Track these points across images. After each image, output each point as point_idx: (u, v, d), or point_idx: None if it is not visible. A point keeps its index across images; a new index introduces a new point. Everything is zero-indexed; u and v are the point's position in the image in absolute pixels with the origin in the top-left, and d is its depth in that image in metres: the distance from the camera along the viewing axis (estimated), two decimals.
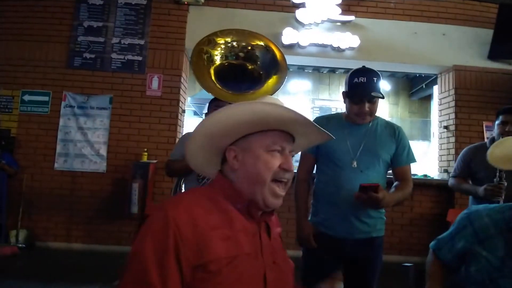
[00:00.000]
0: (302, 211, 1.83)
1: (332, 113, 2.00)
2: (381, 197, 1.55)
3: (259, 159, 0.90)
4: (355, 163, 1.71)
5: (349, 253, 1.71)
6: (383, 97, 1.72)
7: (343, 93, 1.82)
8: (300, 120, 0.91)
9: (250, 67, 1.88)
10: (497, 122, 2.37)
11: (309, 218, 1.84)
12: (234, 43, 1.87)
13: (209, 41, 1.87)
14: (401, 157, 1.80)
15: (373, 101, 1.72)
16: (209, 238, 0.80)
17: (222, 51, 1.87)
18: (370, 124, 1.80)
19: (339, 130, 1.78)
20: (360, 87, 1.71)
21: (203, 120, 0.95)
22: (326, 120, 1.88)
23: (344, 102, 1.82)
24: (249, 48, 1.86)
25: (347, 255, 1.72)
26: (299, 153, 1.89)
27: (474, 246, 1.14)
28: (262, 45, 1.88)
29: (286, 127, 0.95)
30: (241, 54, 1.86)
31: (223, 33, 1.87)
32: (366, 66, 1.82)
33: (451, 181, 2.56)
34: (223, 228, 0.84)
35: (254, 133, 0.93)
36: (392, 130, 1.82)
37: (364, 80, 1.70)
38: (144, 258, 0.76)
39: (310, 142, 1.08)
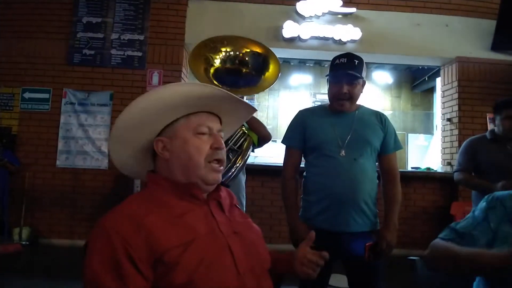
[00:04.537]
0: (293, 212, 1.74)
1: (316, 105, 1.97)
2: (385, 247, 1.71)
3: (187, 143, 0.89)
4: (343, 152, 1.66)
5: (348, 247, 1.63)
6: (361, 77, 1.68)
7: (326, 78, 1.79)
8: (223, 95, 0.91)
9: (244, 70, 2.03)
10: (500, 117, 2.27)
11: (300, 214, 1.76)
12: (229, 51, 2.02)
13: (206, 45, 2.02)
14: (388, 145, 1.75)
15: (353, 83, 1.67)
16: (156, 232, 0.78)
17: (219, 56, 2.03)
18: (357, 111, 1.75)
19: (324, 120, 1.74)
20: (340, 67, 1.68)
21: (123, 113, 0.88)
22: (310, 112, 1.84)
23: (328, 88, 1.79)
24: (241, 54, 2.03)
25: (345, 250, 1.64)
26: (284, 149, 1.87)
27: (503, 226, 1.08)
28: (252, 50, 2.05)
29: (211, 108, 0.94)
30: (235, 59, 2.03)
31: (217, 38, 2.04)
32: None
33: (457, 176, 2.45)
34: (168, 218, 0.82)
35: (178, 119, 0.91)
36: (379, 117, 1.77)
37: (344, 60, 1.68)
38: (100, 279, 0.73)
39: (239, 119, 1.08)
